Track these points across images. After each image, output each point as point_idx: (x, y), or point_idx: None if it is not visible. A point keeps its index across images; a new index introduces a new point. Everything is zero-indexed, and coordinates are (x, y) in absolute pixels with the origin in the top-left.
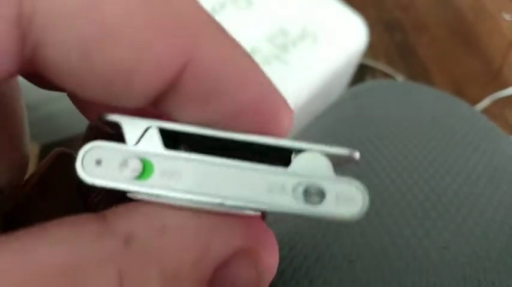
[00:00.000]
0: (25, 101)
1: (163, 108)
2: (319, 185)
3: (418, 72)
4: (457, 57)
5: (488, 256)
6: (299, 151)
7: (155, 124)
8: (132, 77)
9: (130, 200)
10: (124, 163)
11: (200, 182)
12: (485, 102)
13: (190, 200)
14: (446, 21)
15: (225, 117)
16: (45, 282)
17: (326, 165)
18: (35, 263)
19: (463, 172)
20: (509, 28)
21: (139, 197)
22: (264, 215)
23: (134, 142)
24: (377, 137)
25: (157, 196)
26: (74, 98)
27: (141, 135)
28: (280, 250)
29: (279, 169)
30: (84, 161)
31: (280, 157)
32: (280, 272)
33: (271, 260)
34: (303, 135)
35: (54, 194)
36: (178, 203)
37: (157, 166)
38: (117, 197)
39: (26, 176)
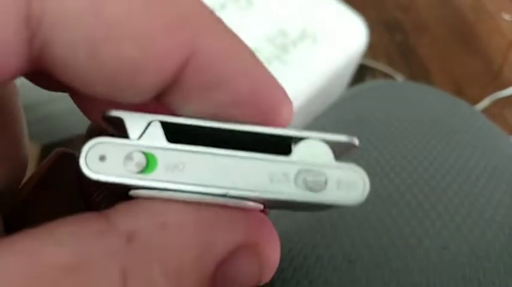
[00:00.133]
0: (25, 101)
1: (166, 101)
2: (321, 172)
3: (418, 72)
4: (457, 58)
5: (487, 256)
6: (299, 140)
7: (157, 118)
8: (136, 73)
9: (133, 198)
10: (128, 158)
11: (203, 174)
12: (485, 102)
13: (194, 192)
14: (447, 21)
15: (226, 108)
16: (51, 282)
17: (326, 152)
18: (41, 263)
19: (463, 172)
20: (509, 28)
21: (142, 194)
22: (265, 208)
23: (137, 137)
24: (376, 137)
25: (161, 189)
26: (76, 97)
27: (144, 130)
28: (280, 249)
29: (280, 158)
30: (87, 158)
31: (281, 146)
32: (280, 271)
33: (273, 254)
34: None
35: (55, 194)
36: (182, 196)
37: (161, 160)
38: (119, 196)
39: (26, 177)
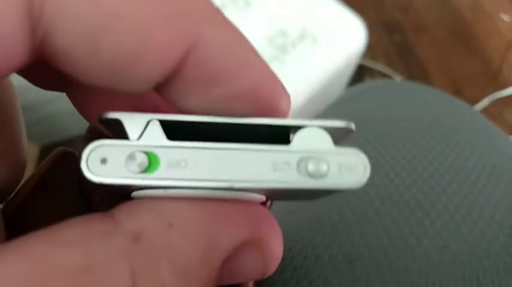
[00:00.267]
0: (24, 102)
1: (166, 93)
2: (322, 158)
3: (417, 73)
4: (456, 58)
5: (487, 256)
6: (298, 128)
7: (155, 117)
8: (136, 63)
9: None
10: (129, 158)
11: (206, 169)
12: (484, 102)
13: (199, 188)
14: (445, 22)
15: (225, 101)
16: (63, 283)
17: (325, 138)
18: (52, 265)
19: (462, 172)
20: (507, 29)
21: (145, 195)
22: (267, 201)
23: (137, 137)
24: (375, 137)
25: (165, 188)
26: (74, 98)
27: (143, 129)
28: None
29: (281, 147)
30: (88, 162)
31: (280, 137)
32: (280, 271)
33: (276, 247)
34: None
35: (55, 194)
36: (186, 193)
37: (163, 158)
38: (120, 195)
39: (25, 178)
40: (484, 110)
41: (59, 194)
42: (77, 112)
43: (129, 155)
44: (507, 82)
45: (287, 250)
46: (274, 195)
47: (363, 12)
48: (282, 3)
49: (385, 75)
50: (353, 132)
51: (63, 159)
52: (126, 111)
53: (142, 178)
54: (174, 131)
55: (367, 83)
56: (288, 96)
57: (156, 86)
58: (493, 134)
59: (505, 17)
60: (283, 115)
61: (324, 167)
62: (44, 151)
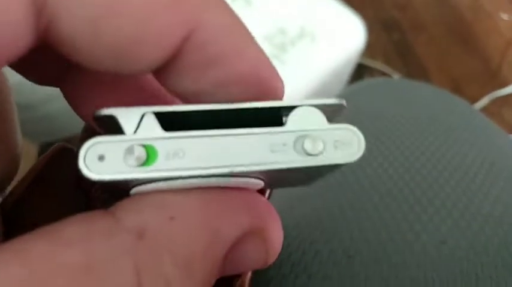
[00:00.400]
0: (23, 101)
1: (164, 77)
2: (317, 136)
3: (416, 71)
4: (455, 57)
5: (485, 251)
6: (291, 109)
7: (150, 109)
8: (138, 46)
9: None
10: (127, 153)
11: (204, 157)
12: (484, 101)
13: (199, 176)
14: (444, 20)
15: (221, 86)
16: (66, 282)
17: (319, 116)
18: (53, 264)
19: (460, 168)
20: (507, 28)
21: (146, 189)
22: (265, 189)
23: (133, 131)
24: (374, 134)
25: (165, 179)
26: (69, 97)
27: (138, 123)
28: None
29: (277, 129)
30: (86, 160)
31: (274, 119)
32: (278, 266)
33: (277, 236)
34: None
35: (53, 190)
36: (187, 183)
37: (160, 150)
38: (119, 191)
39: (23, 174)
40: (484, 109)
41: (57, 190)
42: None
43: (127, 149)
44: (506, 81)
45: (285, 246)
46: (272, 179)
47: (362, 11)
48: (281, 1)
49: (384, 74)
50: (345, 108)
51: (62, 155)
52: (119, 107)
53: (142, 171)
54: (170, 122)
55: (366, 81)
56: (282, 82)
57: (156, 69)
58: (492, 132)
59: (505, 16)
60: (279, 99)
61: (320, 144)
62: (43, 149)
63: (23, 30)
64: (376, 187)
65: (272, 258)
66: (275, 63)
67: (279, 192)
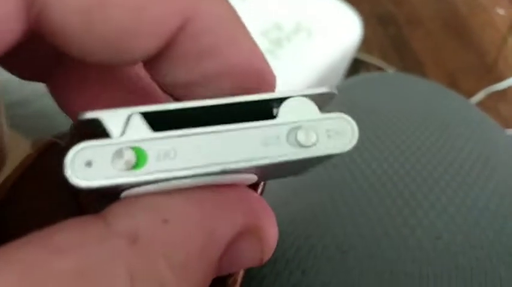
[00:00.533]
0: (16, 97)
1: (156, 68)
2: (310, 126)
3: (412, 66)
4: (451, 52)
5: (480, 245)
6: (282, 101)
7: (136, 110)
8: (131, 36)
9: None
10: (115, 157)
11: (196, 156)
12: (480, 95)
13: (191, 176)
14: (440, 15)
15: (212, 77)
16: None
17: (310, 106)
18: (44, 271)
19: (456, 162)
20: (503, 22)
21: (137, 193)
22: (258, 184)
23: (119, 134)
24: (369, 129)
25: (157, 182)
26: (56, 95)
27: (125, 124)
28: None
29: (268, 122)
30: (73, 167)
31: (265, 112)
32: (273, 263)
33: (272, 233)
34: None
35: (42, 185)
36: (179, 184)
37: (150, 151)
38: (109, 196)
39: (10, 170)
40: (479, 104)
41: (46, 186)
42: None
43: (115, 153)
44: (502, 76)
45: (280, 242)
46: (265, 173)
47: (358, 6)
48: None
49: (380, 69)
50: (336, 95)
51: (51, 150)
52: (104, 109)
53: (132, 175)
54: (158, 121)
55: (362, 76)
56: (274, 75)
57: (148, 60)
58: (487, 126)
59: (501, 11)
60: (271, 92)
61: (313, 135)
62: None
63: (14, 20)
64: (370, 182)
65: (267, 256)
66: (271, 58)
67: (273, 188)
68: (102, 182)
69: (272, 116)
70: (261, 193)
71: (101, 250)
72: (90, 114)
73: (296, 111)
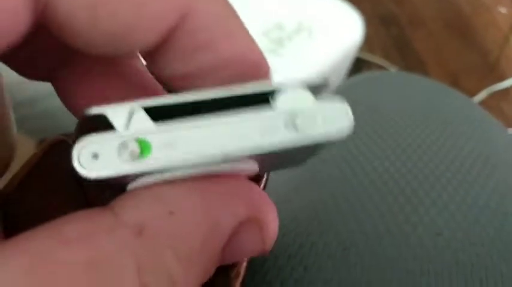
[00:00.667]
0: (21, 97)
1: (155, 61)
2: (307, 114)
3: (414, 65)
4: (453, 51)
5: (481, 242)
6: (278, 91)
7: (138, 104)
8: (132, 30)
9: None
10: (121, 148)
11: (198, 145)
12: (482, 95)
13: (194, 165)
14: (443, 14)
15: (209, 70)
16: (66, 280)
17: (306, 95)
18: (52, 264)
19: (457, 160)
20: (505, 22)
21: (142, 184)
22: (261, 177)
23: (124, 127)
24: (371, 127)
25: (160, 172)
26: (59, 88)
27: (129, 118)
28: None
29: (266, 110)
30: (80, 159)
31: (262, 102)
32: (275, 258)
33: (273, 224)
34: None
35: (50, 182)
36: (182, 173)
37: (154, 142)
38: (116, 189)
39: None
40: (482, 103)
41: (53, 182)
42: None
43: (120, 145)
44: (505, 75)
45: (282, 238)
46: (265, 162)
47: (360, 5)
48: None
49: (382, 68)
50: (329, 84)
51: (57, 147)
52: (108, 104)
53: (137, 165)
54: (160, 113)
55: (364, 74)
56: (269, 67)
57: (147, 53)
58: (488, 124)
59: (503, 10)
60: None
61: (310, 121)
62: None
63: (23, 12)
64: (372, 180)
65: (269, 245)
66: (273, 57)
67: (275, 185)
68: (108, 172)
69: (269, 105)
70: (264, 187)
71: (109, 241)
72: (94, 110)
73: (293, 100)
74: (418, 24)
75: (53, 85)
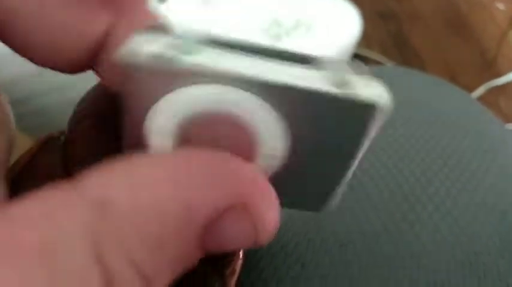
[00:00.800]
0: (19, 94)
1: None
2: (348, 77)
3: (412, 61)
4: (451, 47)
5: (478, 239)
6: (323, 60)
7: (199, 31)
8: (60, 48)
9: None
10: (172, 44)
11: (242, 66)
12: (480, 91)
13: (237, 75)
14: (441, 10)
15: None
16: (19, 266)
17: (348, 67)
18: (9, 246)
19: (454, 156)
20: (503, 18)
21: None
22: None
23: (178, 37)
24: None
25: (200, 73)
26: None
27: (184, 35)
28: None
29: (310, 69)
30: (127, 46)
31: (306, 64)
32: (272, 256)
33: (268, 213)
34: None
35: (41, 179)
36: (224, 73)
37: (202, 52)
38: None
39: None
40: (479, 99)
41: (46, 179)
42: (72, 105)
43: (170, 45)
44: (502, 71)
45: (279, 236)
46: (295, 128)
47: (358, 1)
48: None
49: (379, 64)
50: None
51: (50, 143)
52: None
53: (182, 55)
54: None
55: None
56: None
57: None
58: (485, 119)
59: (501, 6)
60: None
61: (351, 82)
62: None
63: None
64: (369, 176)
65: (263, 236)
66: None
67: None
68: (155, 49)
69: (314, 67)
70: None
71: (66, 219)
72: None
73: (336, 68)
74: (416, 20)
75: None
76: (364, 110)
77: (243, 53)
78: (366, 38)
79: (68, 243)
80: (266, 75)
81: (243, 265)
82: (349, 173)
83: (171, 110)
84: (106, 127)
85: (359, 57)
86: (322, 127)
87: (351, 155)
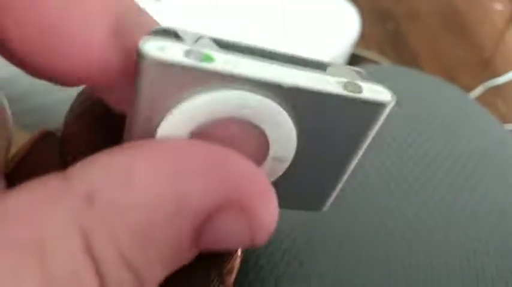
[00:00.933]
0: (17, 92)
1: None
2: (355, 82)
3: (410, 61)
4: (449, 47)
5: (477, 237)
6: (331, 65)
7: (208, 35)
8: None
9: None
10: (188, 53)
11: (258, 69)
12: (478, 91)
13: (251, 80)
14: (438, 10)
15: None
16: (11, 263)
17: (354, 73)
18: (1, 238)
19: (453, 155)
20: (500, 18)
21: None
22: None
23: (191, 42)
24: None
25: (217, 81)
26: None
27: (196, 39)
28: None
29: (320, 73)
30: (145, 45)
31: (316, 69)
32: (269, 254)
33: (264, 212)
34: None
35: (36, 175)
36: (241, 79)
37: (217, 58)
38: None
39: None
40: (477, 99)
41: (41, 173)
42: (69, 102)
43: (187, 50)
44: (500, 71)
45: (277, 234)
46: (305, 131)
47: (356, 1)
48: None
49: (377, 64)
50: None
51: (45, 139)
52: (178, 27)
53: (197, 63)
54: (224, 46)
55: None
56: None
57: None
58: (483, 119)
59: (498, 6)
60: None
61: (357, 88)
62: None
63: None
64: (367, 174)
65: (260, 237)
66: None
67: None
68: (171, 59)
69: (323, 71)
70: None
71: (55, 212)
72: (165, 25)
73: (343, 73)
74: (414, 20)
75: None
76: (372, 109)
77: (256, 57)
78: (364, 38)
79: (58, 235)
80: (284, 79)
81: (241, 263)
82: (348, 172)
83: (187, 115)
84: (102, 123)
85: (357, 57)
86: (330, 128)
87: (353, 154)
